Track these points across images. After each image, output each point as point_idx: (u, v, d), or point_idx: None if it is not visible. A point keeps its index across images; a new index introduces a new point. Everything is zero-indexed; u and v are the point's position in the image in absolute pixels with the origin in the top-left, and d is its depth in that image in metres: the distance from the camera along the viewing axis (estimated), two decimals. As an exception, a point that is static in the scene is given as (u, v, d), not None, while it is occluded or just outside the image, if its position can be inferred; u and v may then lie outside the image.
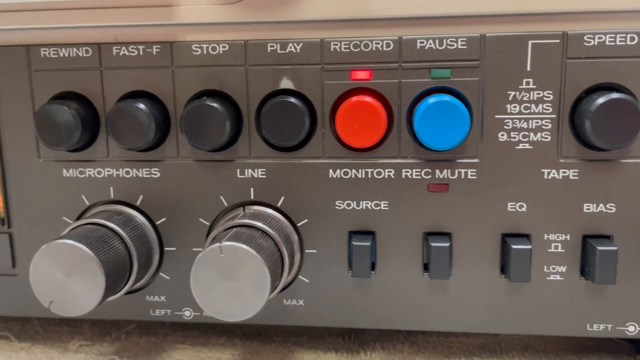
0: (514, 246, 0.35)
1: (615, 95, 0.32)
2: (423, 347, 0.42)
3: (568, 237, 0.35)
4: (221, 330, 0.45)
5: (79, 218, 0.39)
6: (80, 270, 0.33)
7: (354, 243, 0.36)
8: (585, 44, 0.33)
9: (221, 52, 0.36)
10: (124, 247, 0.35)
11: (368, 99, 0.34)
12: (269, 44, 0.35)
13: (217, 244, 0.31)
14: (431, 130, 0.33)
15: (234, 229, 0.34)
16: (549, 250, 0.35)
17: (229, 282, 0.31)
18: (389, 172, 0.36)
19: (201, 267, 0.32)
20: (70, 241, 0.32)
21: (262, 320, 0.38)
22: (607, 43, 0.33)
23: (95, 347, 0.44)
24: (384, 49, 0.34)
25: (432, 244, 0.35)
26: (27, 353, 0.42)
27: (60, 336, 0.46)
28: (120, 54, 0.36)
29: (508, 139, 0.35)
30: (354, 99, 0.34)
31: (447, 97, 0.33)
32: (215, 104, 0.34)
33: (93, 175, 0.38)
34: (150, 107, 0.35)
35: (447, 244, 0.35)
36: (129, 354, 0.41)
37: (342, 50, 0.35)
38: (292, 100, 0.35)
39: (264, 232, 0.34)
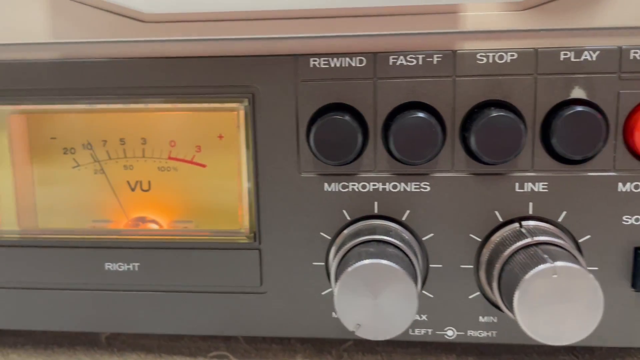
0: None
1: None
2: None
3: None
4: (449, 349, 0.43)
5: (338, 234, 0.37)
6: (391, 291, 0.31)
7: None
8: None
9: (509, 60, 0.34)
10: (412, 266, 0.34)
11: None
12: (562, 52, 0.34)
13: (550, 264, 0.30)
14: None
15: (542, 247, 0.32)
16: None
17: (562, 304, 0.30)
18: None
19: (527, 289, 0.30)
20: (383, 261, 0.31)
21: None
22: None
23: (324, 366, 0.42)
24: (689, 57, 0.33)
25: None
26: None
27: (276, 354, 0.44)
28: (397, 64, 0.35)
29: None
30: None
31: None
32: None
33: (357, 190, 0.36)
34: (428, 116, 0.34)
35: None
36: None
37: (642, 58, 0.33)
38: (588, 110, 0.33)
39: (566, 249, 0.33)
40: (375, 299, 0.31)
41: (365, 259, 0.31)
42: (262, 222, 0.38)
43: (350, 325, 0.31)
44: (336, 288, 0.31)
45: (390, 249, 0.33)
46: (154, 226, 0.42)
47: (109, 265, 0.39)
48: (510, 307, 0.32)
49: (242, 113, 0.37)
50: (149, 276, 0.39)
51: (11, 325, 0.42)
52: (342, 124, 0.34)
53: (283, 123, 0.36)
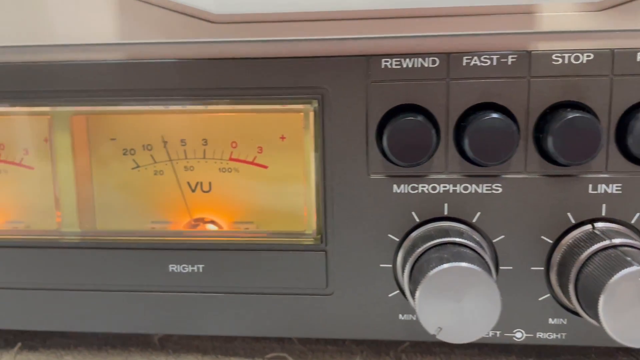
0: None
1: None
2: None
3: None
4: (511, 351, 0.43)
5: (406, 236, 0.37)
6: (475, 294, 0.31)
7: None
8: None
9: (584, 61, 0.34)
10: (489, 268, 0.33)
11: None
12: (638, 53, 0.33)
13: (636, 267, 0.30)
14: None
15: (621, 249, 0.32)
16: None
17: (648, 307, 0.30)
18: None
19: (614, 293, 0.30)
20: (465, 264, 0.31)
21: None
22: None
23: (385, 367, 0.42)
24: None
25: None
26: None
27: (333, 356, 0.44)
28: (471, 64, 0.34)
29: None
30: None
31: None
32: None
33: (427, 191, 0.36)
34: (504, 117, 0.34)
35: None
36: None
37: None
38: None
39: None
40: (459, 302, 0.31)
41: (445, 262, 0.31)
42: (329, 224, 0.37)
43: (431, 329, 0.31)
44: (417, 292, 0.31)
45: (467, 251, 0.33)
46: (213, 227, 0.41)
47: (172, 267, 0.39)
48: (591, 310, 0.31)
49: (310, 114, 0.37)
50: (213, 278, 0.39)
51: (66, 327, 0.41)
52: (417, 125, 0.34)
53: (352, 124, 0.36)
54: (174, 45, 0.36)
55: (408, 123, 0.34)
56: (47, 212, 0.41)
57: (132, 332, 0.43)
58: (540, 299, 0.37)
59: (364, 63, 0.35)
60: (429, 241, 0.34)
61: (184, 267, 0.39)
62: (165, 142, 0.41)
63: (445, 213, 0.36)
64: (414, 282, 0.32)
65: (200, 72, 0.36)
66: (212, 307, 0.39)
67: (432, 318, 0.31)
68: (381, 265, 0.37)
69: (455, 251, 0.32)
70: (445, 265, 0.31)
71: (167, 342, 0.47)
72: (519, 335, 0.37)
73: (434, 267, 0.31)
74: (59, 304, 0.41)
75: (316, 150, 0.37)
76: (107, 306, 0.41)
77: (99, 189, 0.41)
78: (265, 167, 0.40)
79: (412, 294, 0.33)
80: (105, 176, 0.41)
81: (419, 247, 0.34)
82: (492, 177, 0.36)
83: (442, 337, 0.31)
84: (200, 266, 0.39)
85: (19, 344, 0.45)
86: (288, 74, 0.36)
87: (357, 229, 0.37)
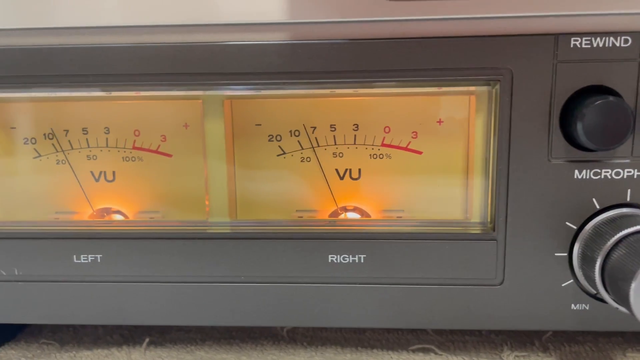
0: None
1: None
2: None
3: None
4: None
5: (585, 223, 0.35)
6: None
7: None
8: None
9: None
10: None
11: None
12: None
13: None
14: None
15: None
16: None
17: None
18: None
19: None
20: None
21: None
22: None
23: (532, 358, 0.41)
24: None
25: None
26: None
27: (476, 346, 0.43)
28: (666, 44, 0.33)
29: None
30: None
31: None
32: None
33: (609, 177, 0.35)
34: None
35: None
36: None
37: None
38: None
39: None
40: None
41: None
42: (500, 211, 0.36)
43: (648, 321, 0.30)
44: (633, 283, 0.30)
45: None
46: (355, 216, 0.40)
47: (332, 257, 0.37)
48: None
49: (485, 96, 0.35)
50: (375, 269, 0.37)
51: (190, 322, 0.39)
52: (617, 107, 0.32)
53: (535, 107, 0.34)
54: (347, 25, 0.34)
55: (608, 105, 0.32)
56: (191, 202, 0.39)
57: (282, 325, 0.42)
58: None
59: (552, 42, 0.33)
60: (621, 230, 0.33)
61: (344, 258, 0.37)
62: (313, 128, 0.39)
63: (628, 199, 0.35)
64: (618, 274, 0.31)
65: (371, 53, 0.34)
66: (375, 299, 0.37)
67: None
68: (556, 254, 0.36)
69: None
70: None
71: (294, 335, 0.45)
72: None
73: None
74: (195, 297, 0.39)
75: (490, 134, 0.35)
76: (250, 299, 0.39)
77: (241, 177, 0.39)
78: (419, 152, 0.39)
79: (614, 285, 0.32)
80: (248, 163, 0.39)
81: (610, 235, 0.33)
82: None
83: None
84: (362, 256, 0.37)
85: (147, 339, 0.43)
86: (468, 54, 0.34)
87: (532, 216, 0.36)
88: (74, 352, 0.43)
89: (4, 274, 0.39)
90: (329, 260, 0.37)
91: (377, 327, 0.40)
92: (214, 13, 0.34)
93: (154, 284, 0.38)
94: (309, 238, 0.37)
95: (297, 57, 0.35)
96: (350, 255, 0.37)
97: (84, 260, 0.38)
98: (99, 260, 0.38)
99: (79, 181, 0.39)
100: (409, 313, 0.38)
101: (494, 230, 0.36)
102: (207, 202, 0.38)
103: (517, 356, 0.41)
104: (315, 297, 0.38)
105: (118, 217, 0.41)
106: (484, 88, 0.35)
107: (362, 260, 0.37)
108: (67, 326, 0.46)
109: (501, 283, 0.37)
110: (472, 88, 0.36)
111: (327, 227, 0.38)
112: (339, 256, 0.37)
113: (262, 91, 0.36)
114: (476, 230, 0.37)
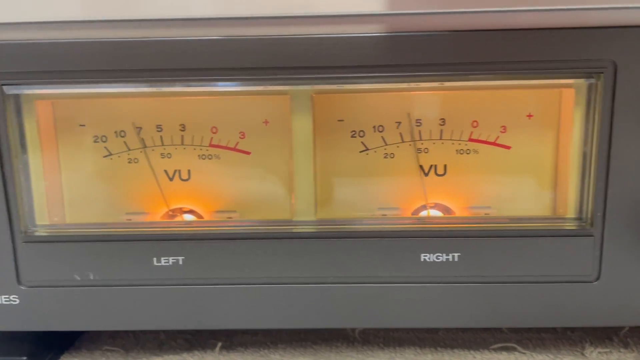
0: None
1: None
2: None
3: None
4: None
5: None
6: None
7: None
8: None
9: None
10: None
11: None
12: None
13: None
14: None
15: None
16: None
17: None
18: None
19: None
20: None
21: None
22: None
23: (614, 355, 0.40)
24: None
25: None
26: None
27: (556, 344, 0.42)
28: None
29: None
30: None
31: None
32: None
33: None
34: None
35: None
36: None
37: None
38: None
39: None
40: None
41: None
42: (597, 206, 0.35)
43: None
44: None
45: None
46: (436, 213, 0.39)
47: (425, 256, 0.36)
48: None
49: (584, 89, 0.35)
50: (468, 267, 0.36)
51: (264, 325, 0.38)
52: None
53: (638, 101, 0.34)
54: (446, 16, 0.33)
55: None
56: (273, 201, 0.38)
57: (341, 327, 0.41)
58: None
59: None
60: None
61: (437, 257, 0.36)
62: (398, 123, 0.38)
63: None
64: None
65: (471, 45, 0.33)
66: (469, 298, 0.36)
67: None
68: (655, 248, 0.35)
69: None
70: None
71: (367, 336, 0.44)
72: None
73: None
74: (280, 298, 0.38)
75: (590, 128, 0.35)
76: (338, 300, 0.37)
77: (322, 174, 0.38)
78: (508, 147, 0.38)
79: None
80: (330, 160, 0.38)
81: None
82: None
83: None
84: (456, 255, 0.36)
85: (219, 344, 0.42)
86: (570, 46, 0.33)
87: (630, 212, 0.35)
88: (144, 358, 0.41)
89: (79, 279, 0.37)
90: (421, 260, 0.36)
91: (469, 327, 0.39)
92: (306, 4, 0.33)
93: (237, 286, 0.37)
94: (400, 237, 0.36)
95: (394, 50, 0.34)
96: (444, 254, 0.36)
97: (164, 262, 0.36)
98: (180, 263, 0.36)
99: (157, 180, 0.38)
100: (502, 311, 0.37)
101: (592, 226, 0.35)
102: (292, 201, 0.37)
103: (600, 352, 0.40)
104: (408, 297, 0.37)
105: (188, 217, 0.39)
106: (583, 81, 0.34)
107: (456, 259, 0.36)
108: (126, 332, 0.45)
109: (597, 279, 0.36)
110: (569, 81, 0.35)
111: (417, 225, 0.37)
112: (432, 255, 0.36)
113: (355, 85, 0.35)
114: (572, 226, 0.36)
